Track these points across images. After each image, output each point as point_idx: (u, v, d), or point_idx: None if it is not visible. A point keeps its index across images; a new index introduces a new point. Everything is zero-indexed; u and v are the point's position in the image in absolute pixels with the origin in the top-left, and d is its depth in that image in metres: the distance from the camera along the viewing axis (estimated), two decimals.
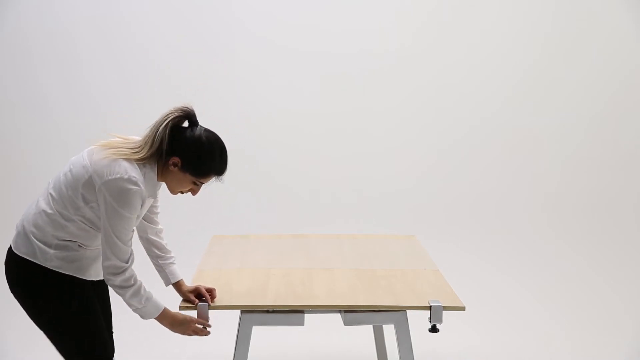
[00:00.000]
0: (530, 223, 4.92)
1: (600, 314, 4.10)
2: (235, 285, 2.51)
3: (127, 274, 2.13)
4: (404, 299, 2.40)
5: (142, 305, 2.19)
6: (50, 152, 4.86)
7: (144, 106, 4.85)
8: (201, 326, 2.34)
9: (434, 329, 2.34)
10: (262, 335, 3.05)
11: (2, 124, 4.88)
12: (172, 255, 2.49)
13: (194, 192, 2.24)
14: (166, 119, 2.12)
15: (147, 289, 2.20)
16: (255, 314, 2.34)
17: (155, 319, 2.26)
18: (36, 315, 2.20)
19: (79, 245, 2.17)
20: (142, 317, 2.24)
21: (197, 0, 4.80)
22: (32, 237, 2.14)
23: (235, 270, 2.70)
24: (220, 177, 2.22)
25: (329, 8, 4.86)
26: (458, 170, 4.98)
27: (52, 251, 2.13)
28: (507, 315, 4.08)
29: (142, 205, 2.14)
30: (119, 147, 2.11)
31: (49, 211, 2.14)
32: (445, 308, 2.32)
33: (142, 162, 2.11)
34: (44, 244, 2.14)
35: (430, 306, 2.32)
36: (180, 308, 2.34)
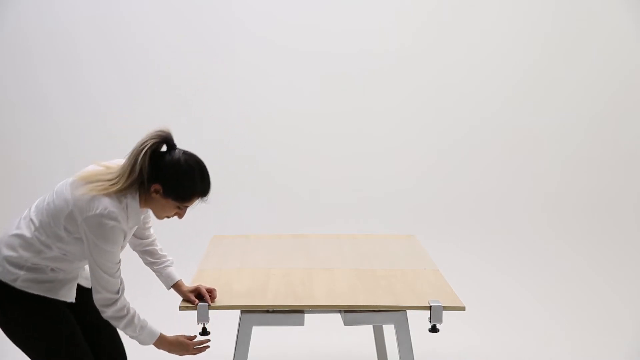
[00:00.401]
0: (530, 223, 4.91)
1: (600, 314, 4.10)
2: (235, 285, 2.51)
3: (119, 305, 2.14)
4: (404, 299, 2.40)
5: (137, 334, 2.21)
6: (50, 152, 4.86)
7: (144, 106, 4.85)
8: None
9: (434, 329, 2.34)
10: (262, 335, 3.05)
11: (2, 124, 4.88)
12: (167, 259, 2.49)
13: (180, 216, 2.22)
14: (144, 147, 2.07)
15: (141, 317, 2.21)
16: (255, 314, 2.34)
17: (153, 344, 2.27)
18: (7, 328, 2.18)
19: (52, 269, 2.16)
20: (140, 343, 2.26)
21: (197, 0, 4.80)
22: (3, 258, 2.13)
23: (235, 270, 2.70)
24: (204, 198, 2.19)
25: (329, 8, 4.85)
26: (458, 170, 4.98)
27: (22, 273, 2.12)
28: (507, 315, 4.08)
29: (125, 237, 2.13)
30: (98, 181, 2.08)
31: (28, 236, 2.13)
32: (445, 308, 2.32)
33: (122, 192, 2.08)
34: (15, 265, 2.12)
35: (430, 306, 2.32)
36: (181, 308, 2.35)
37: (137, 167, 2.06)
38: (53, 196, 2.14)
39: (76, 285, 2.27)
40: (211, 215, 4.75)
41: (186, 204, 2.17)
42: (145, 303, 3.59)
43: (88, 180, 2.09)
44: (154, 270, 2.49)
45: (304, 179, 4.94)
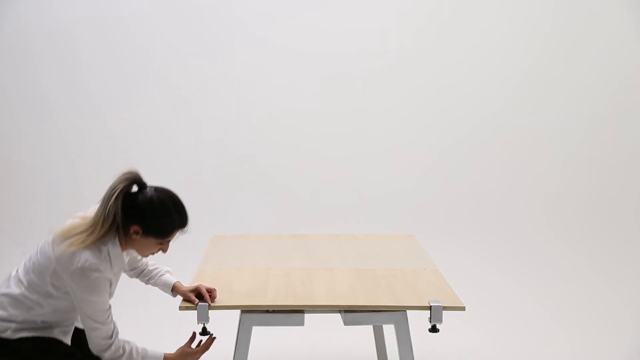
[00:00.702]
0: (530, 223, 4.91)
1: (600, 314, 4.10)
2: (235, 285, 2.51)
3: (113, 348, 2.16)
4: (404, 299, 2.40)
5: None
6: (50, 152, 4.86)
7: (144, 106, 4.85)
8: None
9: (434, 329, 2.34)
10: (262, 335, 3.05)
11: (2, 124, 4.88)
12: (160, 269, 2.51)
13: (164, 250, 2.24)
14: (114, 192, 2.08)
15: (139, 349, 2.23)
16: (255, 314, 2.34)
17: None
18: None
19: (42, 321, 2.18)
20: None
21: (197, 0, 4.80)
22: None
23: (235, 270, 2.70)
24: (184, 229, 2.21)
25: (329, 8, 4.85)
26: (458, 170, 4.98)
27: (12, 325, 2.14)
28: (507, 315, 4.08)
29: (111, 285, 2.16)
30: (76, 234, 2.08)
31: (17, 294, 2.15)
32: (445, 308, 2.32)
33: (101, 241, 2.09)
34: (5, 321, 2.14)
35: (430, 306, 2.31)
36: (181, 308, 2.34)
37: (111, 214, 2.07)
38: (37, 255, 2.17)
39: (72, 331, 2.30)
40: (211, 215, 4.75)
41: (168, 239, 2.20)
42: (145, 305, 3.60)
43: (67, 236, 2.09)
44: (153, 285, 2.52)
45: (304, 179, 4.93)
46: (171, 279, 2.48)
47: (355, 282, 2.56)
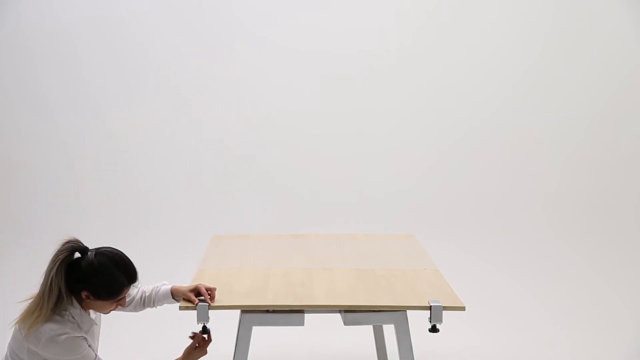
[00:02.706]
0: (530, 223, 4.91)
1: (600, 314, 4.09)
2: (235, 285, 2.51)
3: None
4: (404, 299, 2.40)
5: None
6: (50, 152, 4.86)
7: (144, 106, 4.86)
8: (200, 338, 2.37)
9: (434, 329, 2.34)
10: (262, 335, 3.05)
11: (2, 124, 4.88)
12: (155, 287, 2.46)
13: (123, 305, 2.25)
14: (55, 264, 2.09)
15: None
16: (255, 314, 2.34)
17: None
18: None
19: None
20: None
21: (197, 0, 4.80)
22: None
23: (235, 270, 2.69)
24: (134, 284, 2.21)
25: (329, 8, 4.86)
26: (458, 170, 4.98)
27: None
28: (507, 315, 4.07)
29: (86, 339, 2.16)
30: (32, 315, 2.10)
31: None
32: (445, 308, 2.32)
33: (57, 310, 2.11)
34: None
35: (430, 306, 2.31)
36: (181, 308, 2.34)
37: (54, 286, 2.09)
38: (12, 344, 2.19)
39: None
40: (211, 215, 4.75)
41: (119, 297, 2.19)
42: None
43: (26, 320, 2.12)
44: (159, 305, 2.47)
45: (304, 179, 4.94)
46: (166, 287, 2.44)
47: (355, 282, 2.56)
